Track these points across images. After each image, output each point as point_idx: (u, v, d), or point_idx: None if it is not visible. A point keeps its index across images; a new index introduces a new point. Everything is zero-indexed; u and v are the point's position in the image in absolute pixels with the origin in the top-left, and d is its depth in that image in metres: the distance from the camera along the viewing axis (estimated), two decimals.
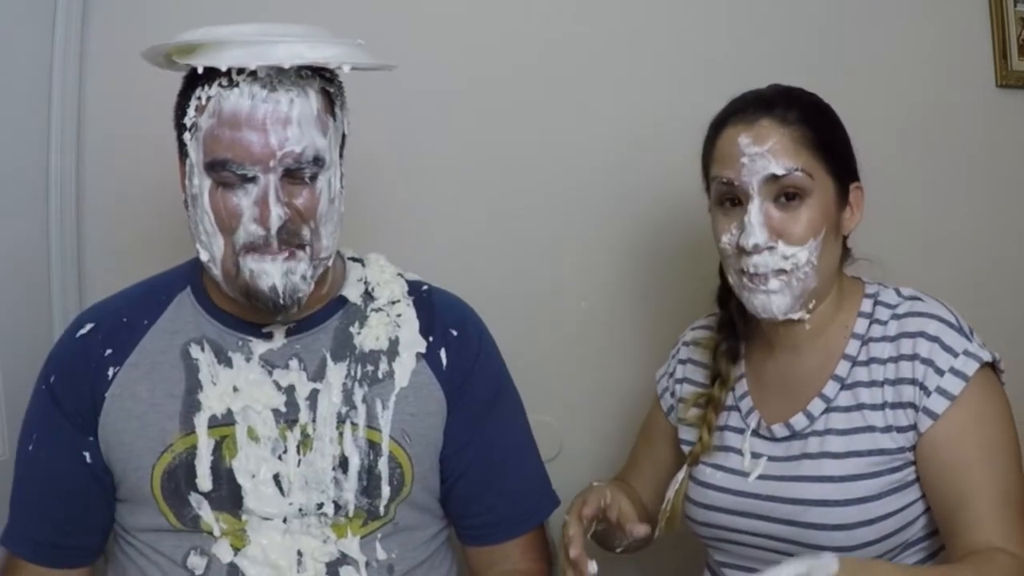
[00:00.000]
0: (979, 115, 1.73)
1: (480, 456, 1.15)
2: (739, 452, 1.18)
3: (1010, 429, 1.08)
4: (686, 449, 1.24)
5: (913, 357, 1.09)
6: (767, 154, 1.10)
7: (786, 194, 1.10)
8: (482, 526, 1.18)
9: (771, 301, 1.11)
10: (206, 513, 1.07)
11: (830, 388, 1.13)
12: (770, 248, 1.10)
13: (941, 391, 1.06)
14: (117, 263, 1.44)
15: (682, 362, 1.31)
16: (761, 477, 1.14)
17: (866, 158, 1.63)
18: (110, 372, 1.09)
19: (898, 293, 1.16)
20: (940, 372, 1.07)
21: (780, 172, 1.09)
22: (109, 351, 1.10)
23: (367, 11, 1.49)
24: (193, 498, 1.07)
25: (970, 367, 1.07)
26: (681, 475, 1.22)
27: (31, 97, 1.39)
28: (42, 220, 1.42)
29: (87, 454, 1.09)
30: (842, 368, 1.13)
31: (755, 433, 1.18)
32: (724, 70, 1.62)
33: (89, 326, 1.12)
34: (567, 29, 1.59)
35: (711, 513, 1.18)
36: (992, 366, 1.10)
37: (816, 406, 1.13)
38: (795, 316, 1.12)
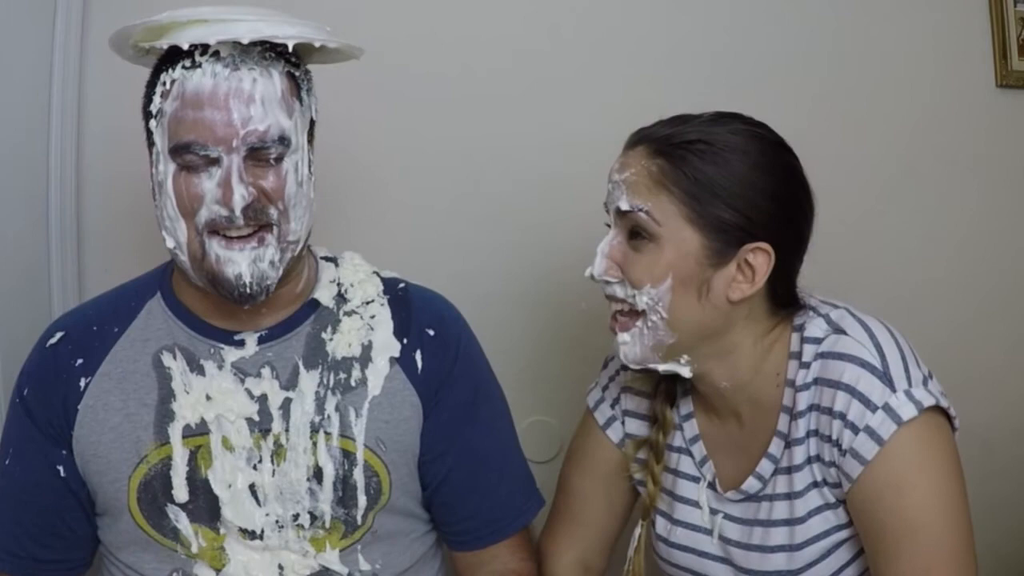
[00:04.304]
0: (979, 115, 1.73)
1: (462, 461, 1.13)
2: (696, 504, 1.12)
3: (946, 491, 0.95)
4: (642, 490, 1.18)
5: (830, 412, 0.98)
6: (622, 184, 1.02)
7: (634, 231, 1.01)
8: (467, 531, 1.16)
9: (619, 349, 1.05)
10: (184, 526, 1.06)
11: (775, 446, 1.04)
12: (612, 282, 1.04)
13: (854, 454, 0.95)
14: (117, 262, 1.44)
15: (624, 390, 1.21)
16: (722, 539, 1.09)
17: (866, 158, 1.65)
18: (82, 383, 1.07)
19: (827, 322, 1.03)
20: (855, 431, 0.95)
21: (624, 208, 1.01)
22: (80, 361, 1.08)
23: (353, 5, 1.49)
24: (171, 510, 1.05)
25: (887, 428, 0.94)
26: (639, 532, 1.17)
27: (31, 96, 1.39)
28: (42, 218, 1.41)
29: (60, 468, 1.07)
30: (783, 423, 1.04)
31: (711, 486, 1.11)
32: (723, 69, 1.63)
33: (59, 335, 1.10)
34: (565, 19, 1.59)
35: (677, 571, 1.15)
36: (936, 408, 0.97)
37: (765, 467, 1.05)
38: (661, 368, 1.05)
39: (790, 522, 1.03)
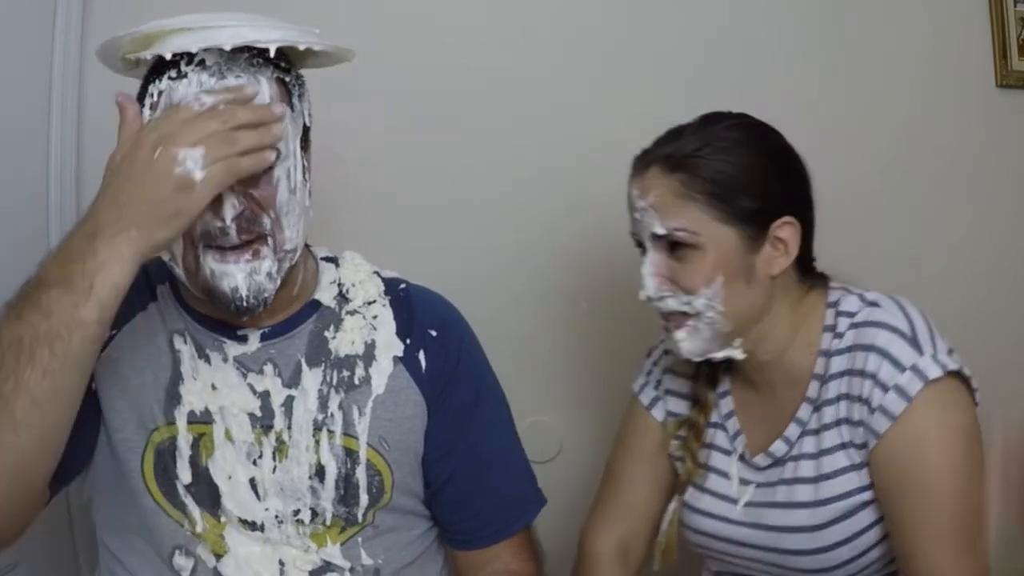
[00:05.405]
0: (979, 115, 1.74)
1: (466, 461, 1.13)
2: (726, 476, 1.17)
3: (965, 452, 1.02)
4: (679, 467, 1.23)
5: (861, 373, 1.04)
6: (650, 209, 1.07)
7: (676, 244, 1.07)
8: (470, 530, 1.16)
9: (680, 348, 1.10)
10: (191, 503, 1.05)
11: (803, 411, 1.11)
12: (666, 296, 1.09)
13: (883, 410, 1.02)
14: None
15: (666, 371, 1.27)
16: (747, 504, 1.14)
17: (866, 158, 1.65)
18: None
19: (861, 299, 1.10)
20: (884, 389, 1.02)
21: (660, 232, 1.07)
22: None
23: (340, 5, 1.49)
24: (179, 485, 1.05)
25: (914, 385, 1.01)
26: (673, 506, 1.21)
27: (31, 97, 1.39)
28: (42, 218, 1.41)
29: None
30: (812, 389, 1.10)
31: (741, 458, 1.16)
32: (723, 67, 1.63)
33: None
34: (566, 18, 1.59)
35: (701, 537, 1.18)
36: (960, 377, 1.04)
37: (792, 431, 1.11)
38: (718, 355, 1.11)
39: (815, 480, 1.08)
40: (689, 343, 1.09)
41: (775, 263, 1.08)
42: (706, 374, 1.21)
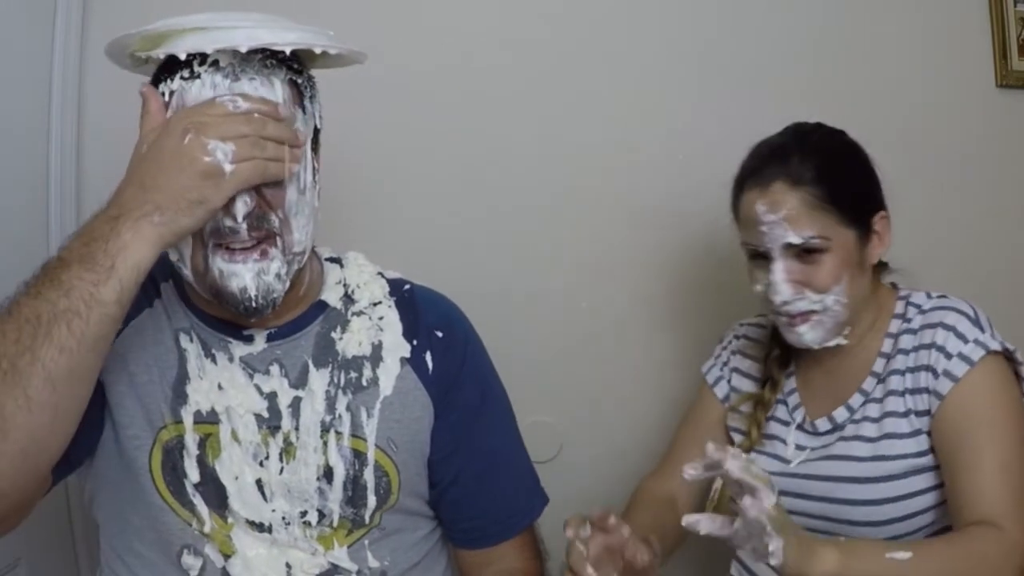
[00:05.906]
0: (979, 115, 1.74)
1: (471, 461, 1.14)
2: (783, 441, 1.25)
3: (1016, 412, 1.12)
4: (735, 437, 1.31)
5: (930, 346, 1.15)
6: (782, 222, 1.15)
7: (806, 250, 1.16)
8: (475, 529, 1.16)
9: (803, 339, 1.19)
10: (199, 502, 1.05)
11: (868, 383, 1.21)
12: (798, 299, 1.17)
13: (947, 373, 1.12)
14: None
15: (735, 353, 1.37)
16: (804, 460, 1.22)
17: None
18: None
19: (928, 295, 1.22)
20: (949, 356, 1.13)
21: (796, 241, 1.15)
22: None
23: (340, 5, 1.49)
24: (188, 483, 1.05)
25: (977, 353, 1.12)
26: None
27: (31, 97, 1.39)
28: (42, 220, 1.41)
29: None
30: (878, 365, 1.21)
31: (799, 427, 1.25)
32: (724, 67, 1.63)
33: None
34: (566, 17, 1.59)
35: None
36: (1008, 358, 1.15)
37: (856, 400, 1.21)
38: (831, 343, 1.20)
39: (874, 439, 1.17)
40: (812, 334, 1.18)
41: (875, 253, 1.21)
42: (777, 356, 1.30)
